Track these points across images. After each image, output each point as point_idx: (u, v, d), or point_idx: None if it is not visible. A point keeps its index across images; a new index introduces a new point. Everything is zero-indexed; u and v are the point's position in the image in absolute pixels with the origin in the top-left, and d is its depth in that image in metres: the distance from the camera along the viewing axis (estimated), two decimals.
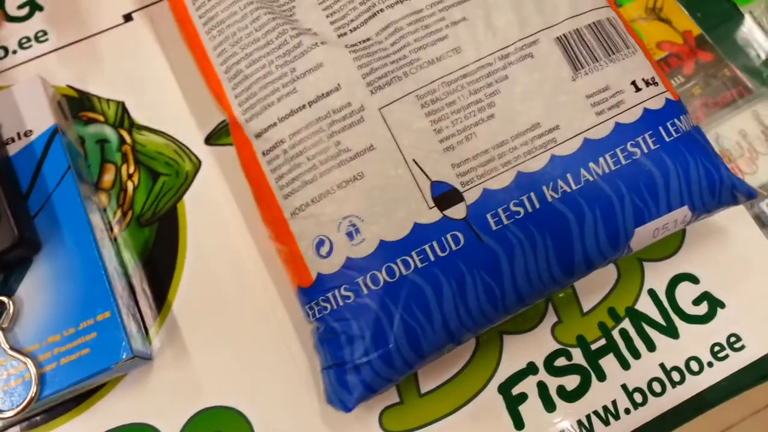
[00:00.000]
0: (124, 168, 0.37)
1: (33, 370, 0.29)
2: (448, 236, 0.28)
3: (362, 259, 0.28)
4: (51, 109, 0.35)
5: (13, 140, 0.34)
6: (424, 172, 0.28)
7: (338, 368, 0.28)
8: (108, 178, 0.36)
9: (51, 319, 0.30)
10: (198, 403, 0.32)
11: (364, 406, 0.32)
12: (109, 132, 0.37)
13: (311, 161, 0.29)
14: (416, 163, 0.28)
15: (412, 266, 0.28)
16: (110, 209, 0.36)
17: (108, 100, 0.38)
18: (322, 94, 0.29)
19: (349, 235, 0.28)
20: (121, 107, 0.38)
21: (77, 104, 0.38)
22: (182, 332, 0.33)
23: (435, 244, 0.28)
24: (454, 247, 0.28)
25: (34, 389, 0.29)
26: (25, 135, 0.34)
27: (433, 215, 0.28)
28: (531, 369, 0.32)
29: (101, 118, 0.37)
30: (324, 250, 0.28)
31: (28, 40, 0.39)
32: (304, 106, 0.29)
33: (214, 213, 0.35)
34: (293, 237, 0.29)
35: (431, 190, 0.28)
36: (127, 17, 0.39)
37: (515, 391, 0.32)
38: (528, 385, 0.32)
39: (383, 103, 0.29)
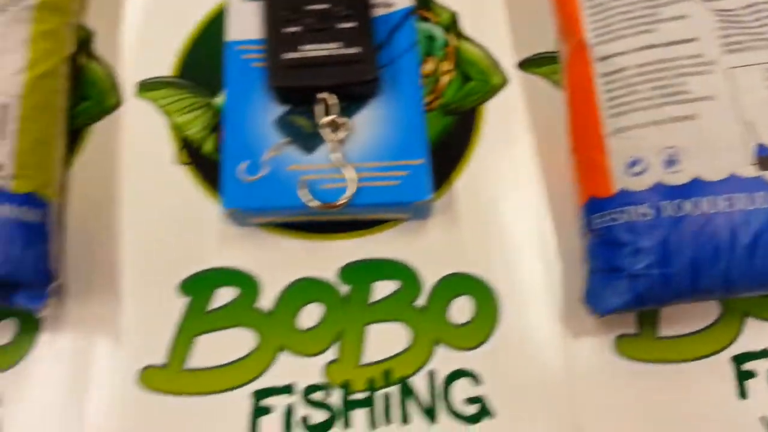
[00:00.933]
0: (443, 64, 0.42)
1: (353, 180, 0.34)
2: (760, 194, 0.30)
3: (673, 187, 0.31)
4: None
5: (377, 6, 0.40)
6: (756, 133, 0.31)
7: (612, 273, 0.31)
8: (428, 67, 0.42)
9: (374, 149, 0.36)
10: (458, 265, 0.36)
11: (602, 325, 0.34)
12: (437, 32, 0.42)
13: (650, 92, 0.32)
14: (750, 123, 0.31)
15: (718, 208, 0.30)
16: (423, 92, 0.41)
17: (443, 7, 0.43)
18: (679, 41, 0.33)
19: (667, 163, 0.31)
20: (453, 16, 0.43)
21: (418, 2, 0.43)
22: (458, 207, 0.37)
23: (745, 196, 0.30)
24: (760, 205, 0.30)
25: (348, 194, 0.34)
26: (387, 5, 0.40)
27: (751, 171, 0.30)
28: (765, 354, 0.34)
29: (435, 19, 0.43)
30: (636, 169, 0.32)
31: None
32: (657, 45, 0.33)
33: (507, 123, 0.40)
34: (606, 152, 0.33)
35: (757, 150, 0.30)
36: None
37: (746, 366, 0.33)
38: (760, 366, 0.33)
39: (734, 64, 0.32)
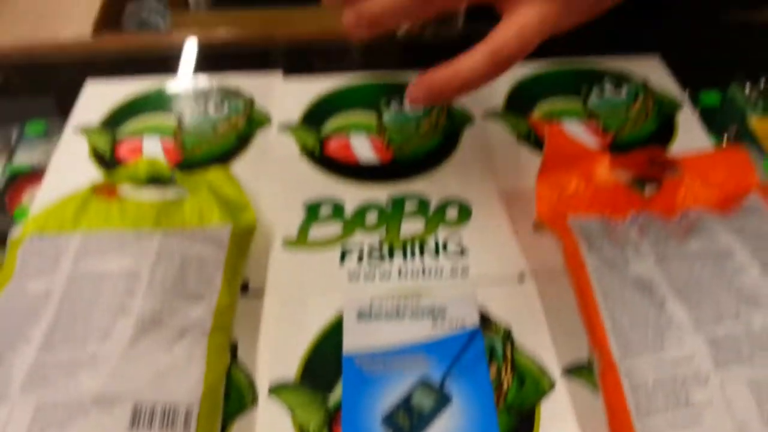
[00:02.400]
0: (503, 370, 0.54)
1: None
2: None
3: None
4: (477, 317, 0.55)
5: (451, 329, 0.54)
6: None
7: None
8: (492, 373, 0.54)
9: None
10: None
11: None
12: (497, 344, 0.56)
13: (665, 400, 0.44)
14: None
15: None
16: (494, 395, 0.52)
17: (499, 323, 0.57)
18: (683, 359, 0.45)
19: None
20: (509, 330, 0.56)
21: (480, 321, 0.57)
22: None
23: None
24: None
25: None
26: (460, 327, 0.54)
27: None
28: None
29: (492, 333, 0.56)
30: None
31: None
32: (664, 364, 0.45)
33: (560, 420, 0.50)
34: None
35: None
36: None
37: None
38: None
39: (724, 378, 0.44)
